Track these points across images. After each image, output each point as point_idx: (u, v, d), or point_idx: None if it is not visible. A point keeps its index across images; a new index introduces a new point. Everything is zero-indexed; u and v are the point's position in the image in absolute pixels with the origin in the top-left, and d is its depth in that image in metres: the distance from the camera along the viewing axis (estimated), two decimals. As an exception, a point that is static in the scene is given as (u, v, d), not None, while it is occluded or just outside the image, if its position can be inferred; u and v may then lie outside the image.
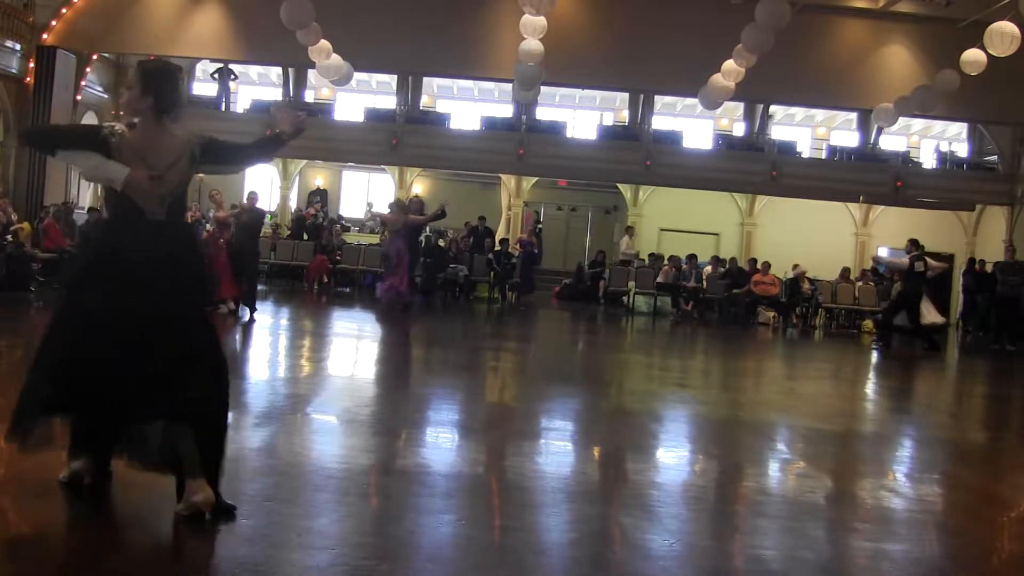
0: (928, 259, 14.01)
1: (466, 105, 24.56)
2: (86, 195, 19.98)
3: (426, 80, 23.46)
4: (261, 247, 13.71)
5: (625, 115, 24.12)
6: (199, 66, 23.01)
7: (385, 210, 15.62)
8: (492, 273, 18.35)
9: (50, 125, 3.81)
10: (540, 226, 21.78)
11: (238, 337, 9.69)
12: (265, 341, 10.10)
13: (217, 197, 12.02)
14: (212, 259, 10.75)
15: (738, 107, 23.77)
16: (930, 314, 13.97)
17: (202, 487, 3.30)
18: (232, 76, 21.94)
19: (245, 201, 12.17)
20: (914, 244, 14.02)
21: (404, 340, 11.63)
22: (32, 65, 17.61)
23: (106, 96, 20.07)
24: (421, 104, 23.39)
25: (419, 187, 24.87)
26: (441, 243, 18.93)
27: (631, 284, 18.51)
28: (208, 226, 13.82)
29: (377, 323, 12.91)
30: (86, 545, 3.14)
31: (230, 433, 3.64)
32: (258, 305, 11.46)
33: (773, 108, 23.73)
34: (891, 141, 24.29)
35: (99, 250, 3.53)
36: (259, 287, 12.54)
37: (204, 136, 3.61)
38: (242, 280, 11.24)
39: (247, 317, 10.87)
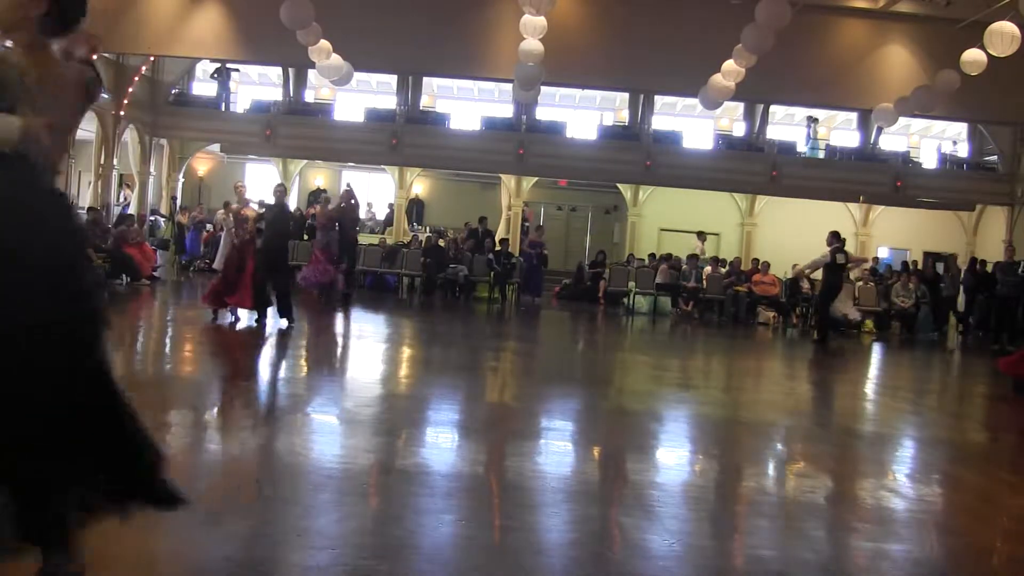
0: (848, 252, 14.74)
1: (466, 105, 24.58)
2: (86, 195, 19.98)
3: (426, 80, 23.47)
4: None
5: (625, 115, 24.12)
6: (199, 66, 23.02)
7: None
8: (492, 273, 18.35)
9: None
10: (528, 224, 21.85)
11: (239, 338, 9.70)
12: (265, 341, 10.09)
13: (241, 189, 11.02)
14: (237, 261, 10.09)
15: (738, 107, 23.77)
16: (845, 307, 14.43)
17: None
18: (233, 71, 21.94)
19: (272, 196, 11.12)
20: (835, 236, 14.37)
21: (404, 340, 11.63)
22: (32, 65, 17.59)
23: (107, 96, 20.05)
24: (421, 104, 23.40)
25: (419, 187, 24.89)
26: (441, 243, 18.93)
27: (631, 284, 18.51)
28: (210, 226, 13.49)
29: (377, 323, 12.91)
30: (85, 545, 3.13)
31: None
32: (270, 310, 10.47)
33: (778, 109, 23.71)
34: (891, 141, 24.31)
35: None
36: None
37: (90, 68, 2.58)
38: (270, 286, 10.23)
39: (284, 325, 10.25)
